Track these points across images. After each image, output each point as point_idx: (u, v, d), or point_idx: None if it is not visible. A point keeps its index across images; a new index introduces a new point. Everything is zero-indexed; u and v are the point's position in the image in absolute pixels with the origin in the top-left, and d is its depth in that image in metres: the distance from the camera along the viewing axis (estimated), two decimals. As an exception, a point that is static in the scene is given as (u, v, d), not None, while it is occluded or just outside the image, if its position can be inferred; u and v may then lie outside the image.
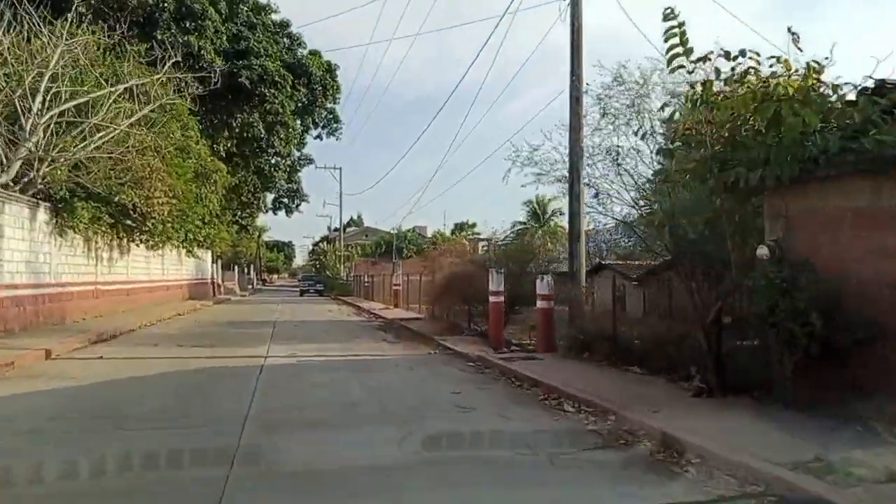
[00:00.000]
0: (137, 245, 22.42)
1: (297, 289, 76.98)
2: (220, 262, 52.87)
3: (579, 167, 12.05)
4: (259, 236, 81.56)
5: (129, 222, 18.77)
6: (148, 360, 11.42)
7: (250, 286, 73.58)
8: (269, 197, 39.52)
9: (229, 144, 29.87)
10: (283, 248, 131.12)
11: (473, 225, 64.91)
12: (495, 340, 12.62)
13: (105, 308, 19.80)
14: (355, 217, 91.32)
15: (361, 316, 25.61)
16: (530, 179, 12.48)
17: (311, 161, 40.83)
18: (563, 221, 36.28)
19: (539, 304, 11.96)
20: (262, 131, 30.21)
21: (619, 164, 9.91)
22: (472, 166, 55.94)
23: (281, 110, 29.62)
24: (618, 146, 10.00)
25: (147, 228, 19.68)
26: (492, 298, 12.97)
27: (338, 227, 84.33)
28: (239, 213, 37.05)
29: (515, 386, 9.20)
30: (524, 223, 72.46)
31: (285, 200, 40.98)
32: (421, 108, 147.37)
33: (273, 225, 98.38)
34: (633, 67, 9.62)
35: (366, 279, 38.03)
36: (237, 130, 29.57)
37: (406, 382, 9.65)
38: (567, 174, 12.42)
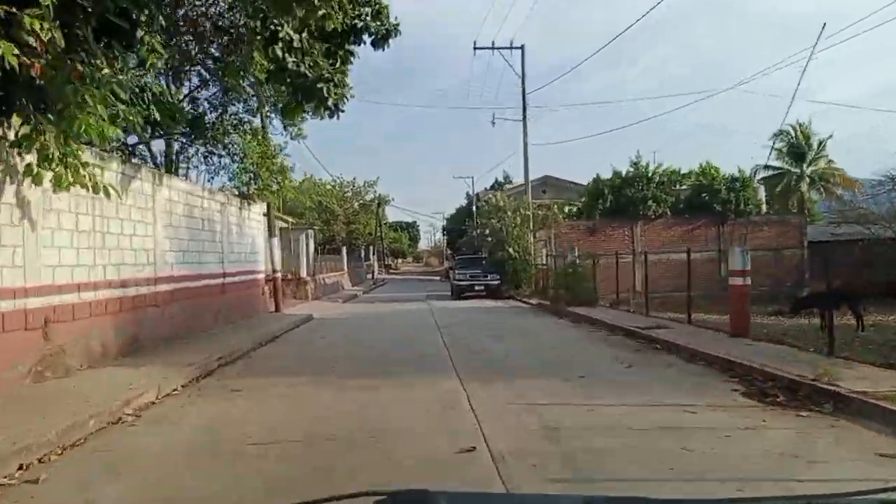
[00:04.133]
0: None
1: (439, 278, 52.46)
2: (310, 239, 28.26)
3: None
4: (379, 206, 56.88)
5: None
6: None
7: (369, 277, 48.91)
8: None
9: None
10: (407, 229, 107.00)
11: (688, 174, 35.71)
12: None
13: None
14: (500, 179, 63.76)
15: None
16: None
17: None
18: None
19: None
20: None
21: None
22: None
23: None
24: None
25: None
26: None
27: (493, 184, 58.37)
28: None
29: None
30: (776, 168, 42.33)
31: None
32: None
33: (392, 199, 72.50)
34: None
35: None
36: None
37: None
38: None
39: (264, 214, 18.19)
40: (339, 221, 54.99)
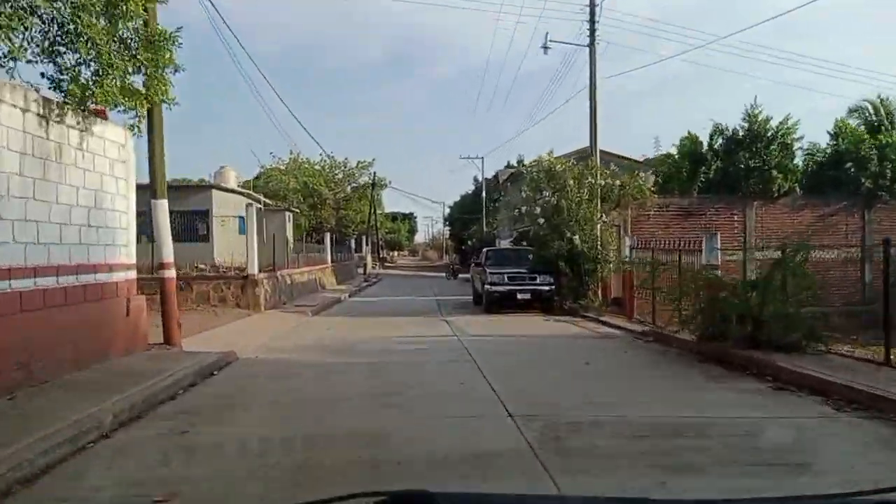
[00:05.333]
0: None
1: (444, 274, 42.99)
2: (287, 224, 20.21)
3: None
4: (374, 187, 47.98)
5: None
6: None
7: (361, 271, 40.12)
8: None
9: None
10: (405, 219, 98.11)
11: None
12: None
13: None
14: (513, 162, 54.24)
15: None
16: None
17: None
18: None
19: None
20: None
21: None
22: None
23: None
24: None
25: None
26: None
27: (506, 166, 49.13)
28: None
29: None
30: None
31: None
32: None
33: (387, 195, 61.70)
34: None
35: None
36: None
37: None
38: None
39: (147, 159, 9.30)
40: (328, 206, 46.15)
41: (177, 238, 26.93)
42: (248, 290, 15.39)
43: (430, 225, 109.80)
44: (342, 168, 47.75)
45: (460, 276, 39.23)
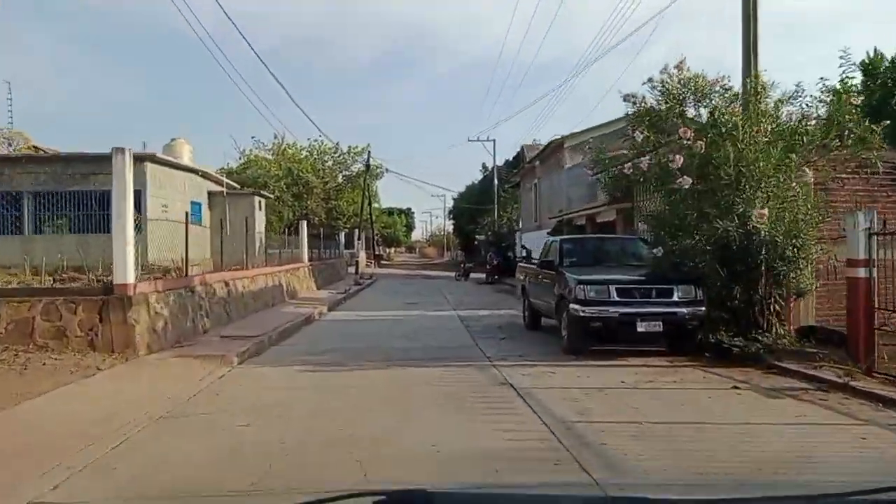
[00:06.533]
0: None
1: (454, 274, 34.43)
2: (257, 211, 12.39)
3: None
4: (368, 169, 40.17)
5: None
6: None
7: (352, 270, 32.43)
8: None
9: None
10: (402, 214, 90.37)
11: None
12: None
13: None
14: (528, 144, 45.85)
15: None
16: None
17: None
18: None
19: None
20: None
21: None
22: None
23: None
24: None
25: None
26: None
27: (517, 156, 41.03)
28: None
29: None
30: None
31: None
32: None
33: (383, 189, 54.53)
34: None
35: None
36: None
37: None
38: None
39: None
40: (316, 197, 38.61)
41: (90, 228, 18.76)
42: (114, 315, 7.69)
43: (429, 220, 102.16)
44: (332, 154, 40.24)
45: (472, 276, 31.97)
